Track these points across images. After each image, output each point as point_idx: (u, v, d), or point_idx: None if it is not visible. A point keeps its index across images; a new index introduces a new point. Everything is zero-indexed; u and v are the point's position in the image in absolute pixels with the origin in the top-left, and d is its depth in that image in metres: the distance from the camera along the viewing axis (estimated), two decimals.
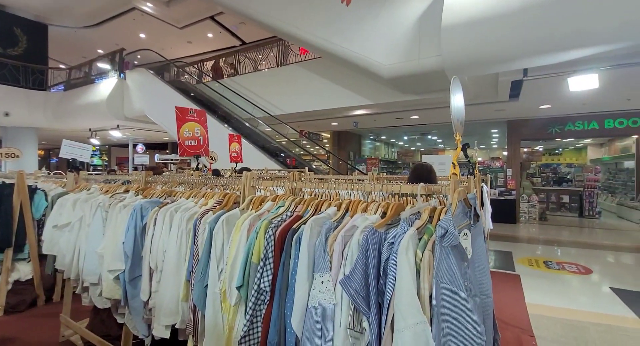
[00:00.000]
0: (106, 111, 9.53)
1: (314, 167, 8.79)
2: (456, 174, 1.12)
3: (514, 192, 8.47)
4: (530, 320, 3.02)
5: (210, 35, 12.03)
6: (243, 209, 1.53)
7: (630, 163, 9.78)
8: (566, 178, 10.41)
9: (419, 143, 15.18)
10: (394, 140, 15.27)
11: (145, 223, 1.75)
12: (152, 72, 9.67)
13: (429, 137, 13.13)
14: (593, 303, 3.54)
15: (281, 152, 8.43)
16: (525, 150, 11.40)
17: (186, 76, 11.16)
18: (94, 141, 13.13)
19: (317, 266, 1.11)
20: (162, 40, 12.36)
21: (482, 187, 4.06)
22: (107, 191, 2.25)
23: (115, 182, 2.56)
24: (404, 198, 1.57)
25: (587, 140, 11.85)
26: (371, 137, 13.59)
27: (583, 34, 3.43)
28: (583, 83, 4.54)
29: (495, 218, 6.21)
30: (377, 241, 1.04)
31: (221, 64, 11.19)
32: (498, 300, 3.43)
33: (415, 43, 4.84)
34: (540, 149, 12.78)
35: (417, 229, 1.04)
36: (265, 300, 1.21)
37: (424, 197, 1.20)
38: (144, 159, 9.20)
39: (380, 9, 5.14)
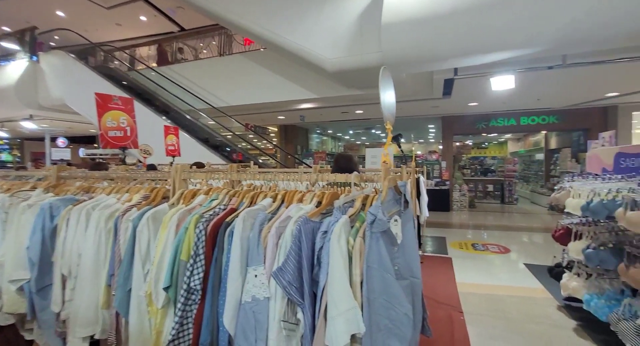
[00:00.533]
0: (15, 98, 8.22)
1: (260, 161, 8.60)
2: (387, 162, 1.15)
3: (448, 183, 9.23)
4: (460, 297, 3.31)
5: (143, 18, 10.97)
6: (173, 204, 1.42)
7: (540, 156, 11.26)
8: (491, 169, 11.65)
9: (364, 138, 15.72)
10: (340, 134, 15.60)
11: (57, 225, 1.53)
12: (73, 55, 8.55)
13: (373, 131, 13.65)
14: (510, 278, 4.02)
15: (226, 146, 8.10)
16: (458, 144, 12.47)
17: (116, 62, 10.08)
18: (0, 133, 11.29)
19: (250, 259, 1.07)
20: (86, 21, 10.95)
21: (419, 177, 4.35)
22: (9, 189, 1.92)
23: (28, 179, 2.20)
24: (342, 188, 1.59)
25: (508, 135, 13.35)
26: (318, 131, 13.72)
27: (500, 39, 3.83)
28: (502, 83, 5.08)
29: (431, 206, 6.70)
30: (310, 230, 1.03)
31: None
32: (433, 282, 3.72)
33: (358, 38, 4.95)
34: (470, 143, 14.08)
35: (349, 217, 1.05)
36: (196, 300, 1.13)
37: (359, 185, 1.22)
38: (64, 154, 8.16)
39: (324, 1, 5.15)
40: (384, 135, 14.71)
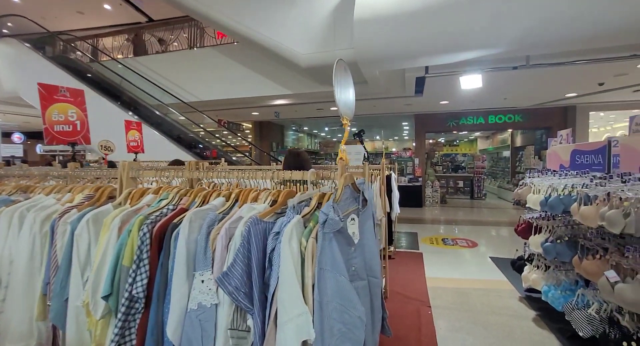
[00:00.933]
0: None
1: (234, 158, 8.41)
2: (343, 159, 1.11)
3: (420, 179, 9.43)
4: (429, 291, 3.37)
5: (107, 7, 10.35)
6: (119, 204, 1.31)
7: (507, 153, 11.76)
8: (461, 166, 12.04)
9: (340, 135, 15.77)
10: (316, 131, 15.56)
11: None
12: (28, 44, 7.96)
13: (349, 128, 13.71)
14: (477, 271, 4.14)
15: (199, 143, 7.85)
16: (430, 141, 12.78)
17: (78, 53, 9.47)
18: None
19: (197, 264, 0.99)
20: (43, 8, 10.18)
21: (390, 174, 4.39)
22: None
23: None
24: (305, 185, 1.54)
25: (477, 133, 13.84)
26: (293, 128, 13.61)
27: (468, 39, 3.92)
28: (471, 82, 5.22)
29: (404, 202, 6.81)
30: (262, 231, 0.97)
31: (124, 41, 9.82)
32: (403, 278, 3.77)
33: (331, 34, 4.91)
34: (442, 141, 14.48)
35: (304, 216, 1.00)
36: (140, 309, 1.05)
37: (315, 183, 1.17)
38: (16, 150, 7.58)
39: None
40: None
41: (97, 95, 6.97)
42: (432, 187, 9.57)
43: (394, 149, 15.26)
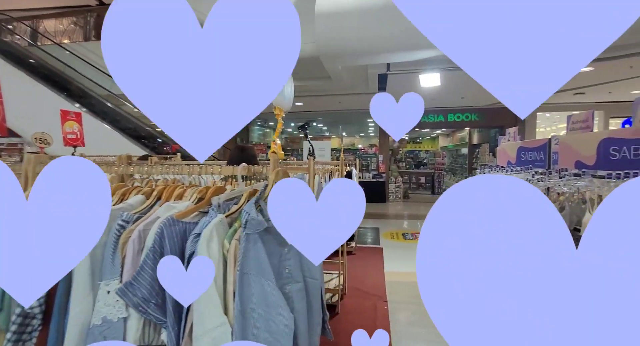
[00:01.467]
0: None
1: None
2: (275, 152, 1.03)
3: (384, 175, 9.62)
4: (386, 287, 3.41)
5: None
6: None
7: (465, 150, 12.32)
8: (423, 163, 12.46)
9: (307, 130, 15.68)
10: (282, 127, 15.34)
11: None
12: None
13: (315, 124, 13.67)
14: None
15: (156, 138, 7.40)
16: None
17: (17, 36, 8.54)
18: None
19: (104, 272, 0.87)
20: None
21: (351, 170, 4.39)
22: None
23: None
24: (247, 181, 1.44)
25: (438, 131, 14.38)
26: (259, 123, 13.32)
27: (420, 39, 3.98)
28: (430, 80, 5.35)
29: (368, 198, 6.86)
30: (179, 233, 0.86)
31: (71, 25, 9.01)
32: (362, 273, 3.79)
33: None
34: (406, 138, 14.88)
35: (229, 215, 0.91)
36: (37, 326, 0.90)
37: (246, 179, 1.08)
38: None
39: None
40: (325, 128, 14.83)
41: (36, 82, 6.32)
42: (395, 183, 9.80)
43: (360, 146, 15.45)
